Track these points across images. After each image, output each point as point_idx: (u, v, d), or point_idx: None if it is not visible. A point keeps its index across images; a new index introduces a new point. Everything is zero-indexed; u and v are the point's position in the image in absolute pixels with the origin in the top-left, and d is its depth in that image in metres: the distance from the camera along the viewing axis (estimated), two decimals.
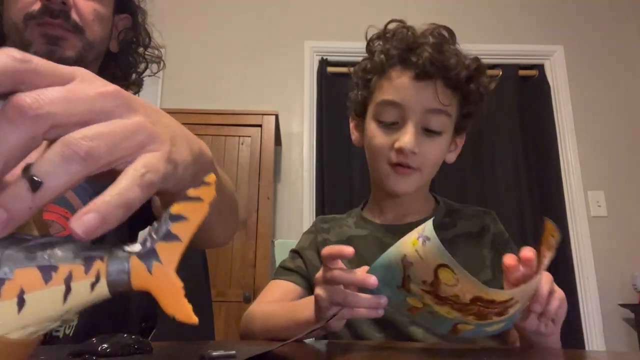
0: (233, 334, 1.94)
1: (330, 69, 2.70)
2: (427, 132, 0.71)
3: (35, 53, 0.68)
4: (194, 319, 0.24)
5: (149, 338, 0.83)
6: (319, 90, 2.67)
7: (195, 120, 2.19)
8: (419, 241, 0.45)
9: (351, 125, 0.85)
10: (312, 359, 0.44)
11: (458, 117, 0.75)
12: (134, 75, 0.87)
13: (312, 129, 2.61)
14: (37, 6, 0.69)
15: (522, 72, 2.73)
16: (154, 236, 0.24)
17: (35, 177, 0.21)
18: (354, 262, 0.76)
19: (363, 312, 0.51)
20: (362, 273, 0.50)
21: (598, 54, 2.76)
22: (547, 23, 2.81)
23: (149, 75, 0.89)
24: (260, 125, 2.25)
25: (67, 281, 0.23)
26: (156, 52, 0.89)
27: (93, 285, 0.23)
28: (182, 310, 0.24)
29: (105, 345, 0.38)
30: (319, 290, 0.54)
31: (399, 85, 0.71)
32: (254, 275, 2.04)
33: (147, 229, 0.25)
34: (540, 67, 2.76)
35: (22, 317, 0.22)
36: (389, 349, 0.55)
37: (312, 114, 2.63)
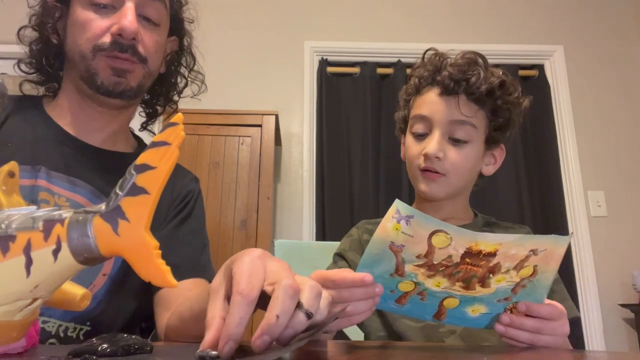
0: None
1: (330, 69, 2.70)
2: (454, 140, 0.80)
3: (102, 83, 0.71)
4: (172, 282, 0.22)
5: (149, 338, 0.82)
6: (319, 90, 2.67)
7: (195, 120, 2.19)
8: (401, 224, 0.49)
9: (402, 142, 0.93)
10: (313, 359, 0.44)
11: (488, 129, 0.83)
12: (175, 96, 0.90)
13: (312, 129, 2.61)
14: (107, 39, 0.70)
15: (522, 72, 2.73)
16: (119, 192, 0.21)
17: (308, 311, 0.35)
18: None
19: (354, 310, 0.52)
20: (355, 273, 0.52)
21: (598, 54, 2.77)
22: (547, 23, 2.81)
23: (190, 97, 0.92)
24: (260, 125, 2.26)
25: (27, 251, 0.20)
26: (200, 75, 0.93)
27: (55, 253, 0.20)
28: (156, 272, 0.21)
29: (105, 345, 0.38)
30: None
31: (427, 101, 0.82)
32: None
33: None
34: (540, 67, 2.76)
35: None
36: (389, 349, 0.55)
37: (312, 114, 2.63)
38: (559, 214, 2.53)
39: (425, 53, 0.87)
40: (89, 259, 0.21)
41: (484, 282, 0.53)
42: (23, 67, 0.79)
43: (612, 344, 2.33)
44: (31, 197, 0.66)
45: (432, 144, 0.78)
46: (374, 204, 2.43)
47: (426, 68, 0.84)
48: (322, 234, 2.41)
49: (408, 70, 0.90)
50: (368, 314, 0.53)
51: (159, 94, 0.88)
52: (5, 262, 0.20)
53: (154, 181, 0.21)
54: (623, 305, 2.35)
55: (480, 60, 0.81)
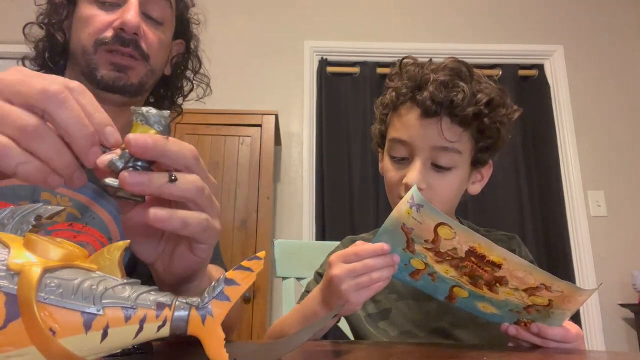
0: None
1: (330, 69, 2.70)
2: (437, 167, 0.72)
3: (102, 78, 0.71)
4: None
5: None
6: (319, 90, 2.67)
7: (195, 120, 2.19)
8: (413, 210, 0.52)
9: (379, 156, 0.86)
10: (312, 359, 0.44)
11: (474, 151, 0.75)
12: (180, 99, 0.90)
13: (312, 129, 2.61)
14: (109, 33, 0.71)
15: (522, 72, 2.73)
16: (211, 294, 0.30)
17: (173, 177, 0.36)
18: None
19: (381, 276, 0.57)
20: (373, 244, 0.58)
21: (598, 54, 2.76)
22: (547, 23, 2.81)
23: (195, 100, 0.92)
24: (260, 125, 2.25)
25: (142, 322, 0.28)
26: (205, 79, 0.92)
27: (160, 328, 0.28)
28: (220, 356, 0.29)
29: None
30: (336, 270, 0.58)
31: (406, 123, 0.73)
32: None
33: (207, 289, 0.31)
34: (540, 67, 2.76)
35: (102, 346, 0.27)
36: (388, 349, 0.55)
37: (312, 114, 2.63)
38: (559, 214, 2.53)
39: (402, 61, 0.79)
40: (178, 335, 0.29)
41: (491, 288, 0.55)
42: (28, 64, 0.79)
43: (612, 344, 2.33)
44: (32, 198, 0.65)
45: (413, 174, 0.70)
46: (374, 204, 2.43)
47: (404, 82, 0.75)
48: (322, 234, 2.41)
49: None
50: (387, 282, 0.58)
51: (165, 97, 0.88)
52: (125, 327, 0.28)
53: (236, 293, 0.30)
54: (623, 305, 2.35)
55: (465, 72, 0.72)
